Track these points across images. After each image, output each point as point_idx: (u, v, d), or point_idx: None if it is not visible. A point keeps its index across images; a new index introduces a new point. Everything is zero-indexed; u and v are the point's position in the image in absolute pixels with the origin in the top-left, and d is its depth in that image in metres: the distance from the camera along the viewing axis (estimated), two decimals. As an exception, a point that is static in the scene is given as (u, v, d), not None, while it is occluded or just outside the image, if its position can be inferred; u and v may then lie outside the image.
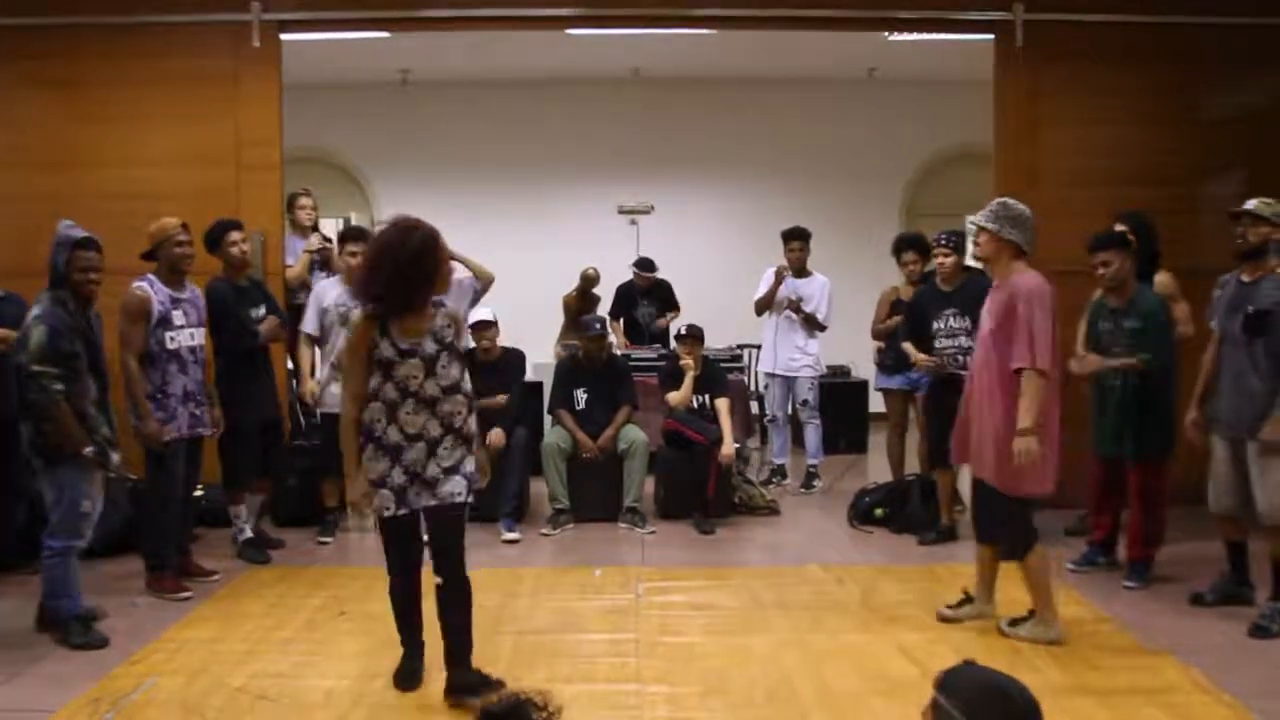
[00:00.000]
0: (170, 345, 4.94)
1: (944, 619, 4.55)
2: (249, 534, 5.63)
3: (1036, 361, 4.09)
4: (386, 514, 3.64)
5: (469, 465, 3.70)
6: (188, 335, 5.03)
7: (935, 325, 5.85)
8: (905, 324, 6.23)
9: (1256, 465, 4.41)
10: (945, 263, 5.87)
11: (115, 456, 4.41)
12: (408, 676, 3.84)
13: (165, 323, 4.93)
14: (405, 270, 3.46)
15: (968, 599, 4.59)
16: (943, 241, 5.89)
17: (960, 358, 5.72)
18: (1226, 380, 4.56)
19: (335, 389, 5.90)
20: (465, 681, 3.66)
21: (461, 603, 3.72)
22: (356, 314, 3.65)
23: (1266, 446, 4.34)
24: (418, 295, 3.53)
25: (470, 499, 3.69)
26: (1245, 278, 4.54)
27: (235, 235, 5.52)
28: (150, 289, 4.92)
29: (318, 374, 6.08)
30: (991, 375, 4.24)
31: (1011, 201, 4.35)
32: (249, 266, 5.66)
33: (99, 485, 4.39)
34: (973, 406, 4.38)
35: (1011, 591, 4.53)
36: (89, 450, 4.26)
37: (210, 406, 5.20)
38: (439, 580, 3.68)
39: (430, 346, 3.60)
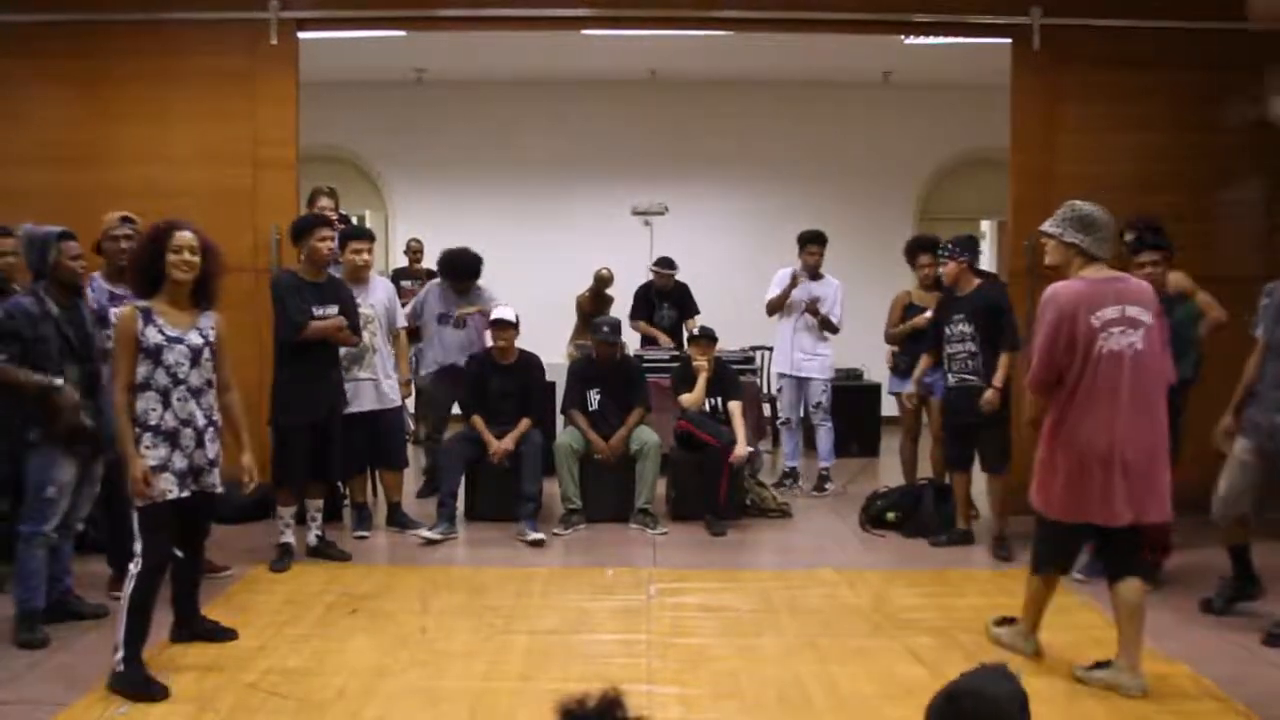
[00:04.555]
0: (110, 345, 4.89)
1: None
2: (288, 538, 5.52)
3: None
4: (170, 497, 3.84)
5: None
6: None
7: (947, 330, 5.88)
8: (930, 330, 6.24)
9: None
10: (946, 270, 5.91)
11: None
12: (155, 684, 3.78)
13: (104, 322, 4.76)
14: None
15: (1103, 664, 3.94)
16: (944, 252, 5.96)
17: (969, 363, 5.72)
18: (1269, 389, 4.51)
19: (348, 388, 5.90)
20: (205, 629, 4.28)
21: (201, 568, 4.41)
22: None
23: None
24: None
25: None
26: None
27: (327, 232, 5.52)
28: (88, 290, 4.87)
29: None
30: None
31: (1080, 203, 3.95)
32: (329, 265, 5.63)
33: (69, 472, 4.35)
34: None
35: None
36: (47, 381, 4.24)
37: None
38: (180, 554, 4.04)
39: (195, 339, 3.94)
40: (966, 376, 5.75)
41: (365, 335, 5.93)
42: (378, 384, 6.02)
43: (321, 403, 5.50)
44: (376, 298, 6.10)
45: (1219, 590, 4.80)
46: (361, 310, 5.88)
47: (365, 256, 6.03)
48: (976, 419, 5.68)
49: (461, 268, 6.93)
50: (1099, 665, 3.91)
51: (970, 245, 5.99)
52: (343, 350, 5.83)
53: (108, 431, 4.27)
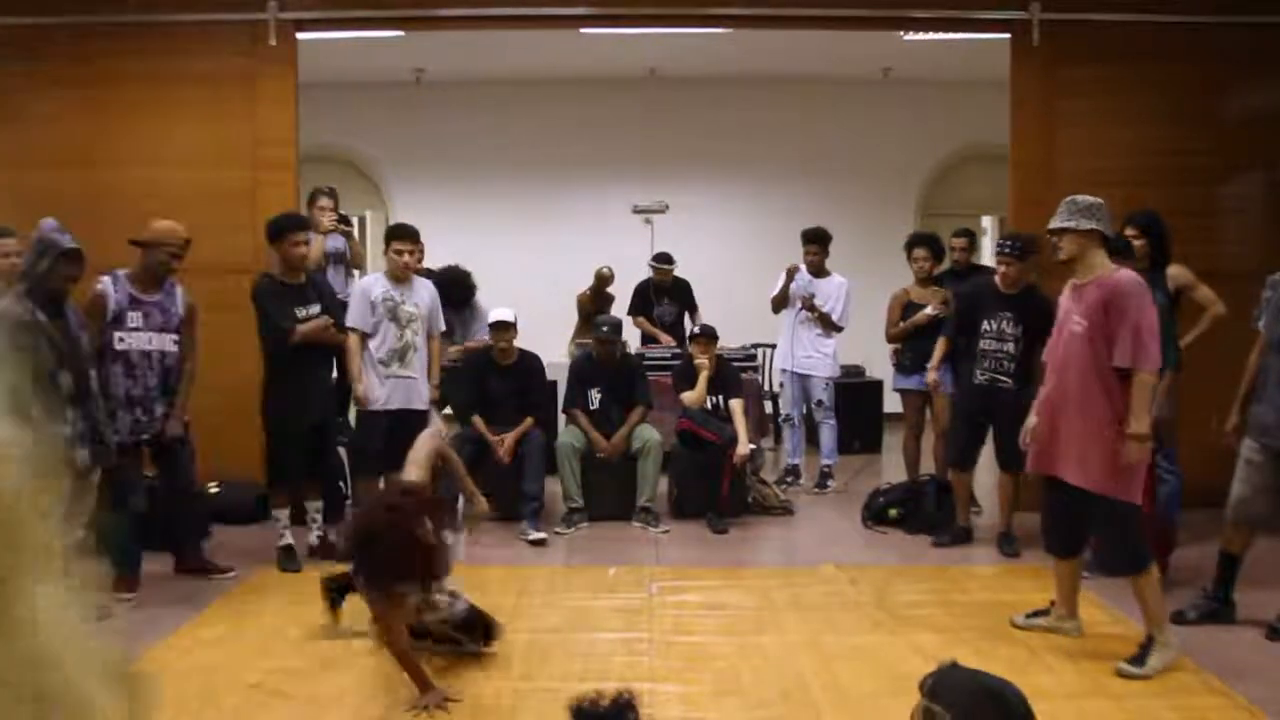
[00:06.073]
0: (118, 346, 4.85)
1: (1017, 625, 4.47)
2: (288, 540, 5.47)
3: (1148, 363, 3.93)
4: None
5: None
6: (144, 339, 4.90)
7: (985, 325, 5.69)
8: (952, 319, 6.07)
9: None
10: (1008, 272, 5.63)
11: (83, 453, 4.36)
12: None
13: (118, 322, 4.86)
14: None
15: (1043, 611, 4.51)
16: (1007, 250, 5.67)
17: (1006, 363, 5.63)
18: (1273, 389, 4.42)
19: (388, 384, 5.78)
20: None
21: None
22: None
23: None
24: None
25: None
26: None
27: (300, 235, 5.43)
28: (110, 287, 4.87)
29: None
30: (1089, 377, 4.04)
31: (1078, 196, 4.17)
32: (305, 269, 5.55)
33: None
34: (1059, 413, 4.17)
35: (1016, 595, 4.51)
36: None
37: (169, 413, 5.00)
38: None
39: None
40: (999, 377, 5.63)
41: (408, 333, 5.78)
42: (416, 382, 5.81)
43: (314, 404, 5.49)
44: (420, 298, 5.88)
45: (1194, 604, 4.62)
46: (404, 308, 5.74)
47: (407, 257, 5.84)
48: (999, 417, 5.59)
49: (456, 294, 6.86)
50: (1036, 613, 4.49)
51: (1031, 246, 5.71)
52: (386, 346, 5.72)
53: (103, 433, 4.28)
